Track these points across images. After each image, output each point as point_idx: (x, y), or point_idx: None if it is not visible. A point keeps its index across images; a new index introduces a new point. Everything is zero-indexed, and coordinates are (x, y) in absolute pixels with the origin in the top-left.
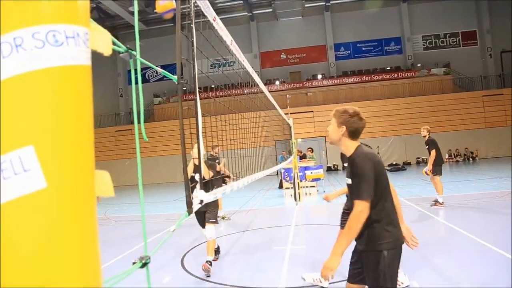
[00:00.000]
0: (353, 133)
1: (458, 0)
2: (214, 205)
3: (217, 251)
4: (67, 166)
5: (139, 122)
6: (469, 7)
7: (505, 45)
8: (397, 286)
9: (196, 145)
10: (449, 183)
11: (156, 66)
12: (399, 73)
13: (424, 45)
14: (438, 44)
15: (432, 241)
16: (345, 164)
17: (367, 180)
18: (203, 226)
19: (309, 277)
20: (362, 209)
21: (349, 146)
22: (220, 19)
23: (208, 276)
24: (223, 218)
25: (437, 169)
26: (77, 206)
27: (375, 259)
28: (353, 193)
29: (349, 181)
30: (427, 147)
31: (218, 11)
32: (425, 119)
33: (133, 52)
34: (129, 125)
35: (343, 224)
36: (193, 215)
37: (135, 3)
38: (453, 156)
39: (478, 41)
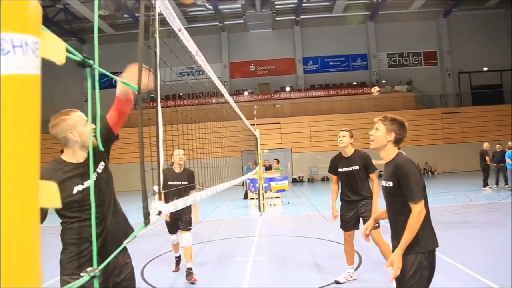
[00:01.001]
0: (399, 141)
1: (421, 21)
2: (188, 212)
3: (178, 261)
4: (7, 177)
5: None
6: (431, 29)
7: (463, 66)
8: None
9: (176, 151)
10: None
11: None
12: (365, 89)
13: (388, 62)
14: (401, 62)
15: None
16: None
17: (418, 182)
18: (172, 232)
19: (341, 278)
20: (420, 209)
21: (392, 152)
22: (192, 27)
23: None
24: None
25: None
26: (18, 219)
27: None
28: (408, 196)
29: (390, 183)
30: None
31: (190, 19)
32: None
33: (90, 61)
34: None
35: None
36: (149, 226)
37: (96, 9)
38: None
39: (438, 61)
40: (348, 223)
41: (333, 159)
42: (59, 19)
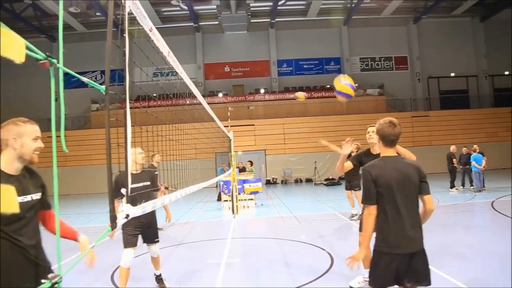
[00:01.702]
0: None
1: (393, 27)
2: (155, 221)
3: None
4: None
5: (58, 130)
6: (402, 35)
7: (432, 72)
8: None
9: (136, 149)
10: None
11: (96, 71)
12: None
13: (361, 66)
14: (373, 67)
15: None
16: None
17: (365, 188)
18: (131, 245)
19: (354, 283)
20: (367, 212)
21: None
22: (166, 27)
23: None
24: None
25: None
26: None
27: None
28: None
29: None
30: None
31: (164, 19)
32: (360, 137)
33: (53, 60)
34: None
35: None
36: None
37: (60, 8)
38: None
39: (409, 66)
40: None
41: (362, 153)
42: (28, 15)
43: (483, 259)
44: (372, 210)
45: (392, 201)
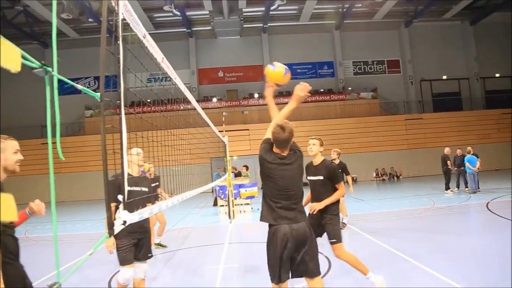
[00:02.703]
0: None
1: (384, 31)
2: (149, 235)
3: None
4: None
5: (53, 136)
6: (394, 38)
7: (424, 75)
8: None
9: (134, 149)
10: (376, 201)
11: (89, 77)
12: (331, 96)
13: (354, 70)
14: (366, 70)
15: (358, 256)
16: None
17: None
18: (128, 261)
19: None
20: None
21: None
22: (159, 33)
23: None
24: (159, 245)
25: None
26: None
27: None
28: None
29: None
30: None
31: (157, 25)
32: (354, 140)
33: (48, 69)
34: (54, 138)
35: None
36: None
37: (53, 14)
38: (380, 175)
39: (401, 69)
40: None
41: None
42: (19, 22)
43: (480, 260)
44: None
45: None
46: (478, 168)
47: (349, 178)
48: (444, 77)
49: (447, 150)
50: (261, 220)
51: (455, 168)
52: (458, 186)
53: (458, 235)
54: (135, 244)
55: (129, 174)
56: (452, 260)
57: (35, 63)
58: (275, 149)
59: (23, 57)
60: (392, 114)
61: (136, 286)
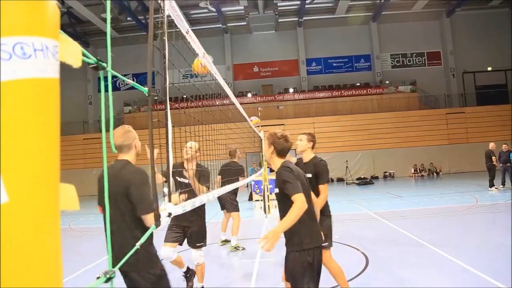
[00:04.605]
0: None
1: (424, 21)
2: (200, 224)
3: (189, 277)
4: (30, 180)
5: (107, 131)
6: (434, 29)
7: (467, 66)
8: None
9: (189, 143)
10: (414, 197)
11: (128, 74)
12: (368, 89)
13: (392, 63)
14: (405, 63)
15: (396, 253)
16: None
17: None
18: (168, 239)
19: None
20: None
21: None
22: (194, 30)
23: None
24: (236, 248)
25: None
26: (40, 221)
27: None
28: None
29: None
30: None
31: (192, 22)
32: (392, 135)
33: (103, 64)
34: (97, 133)
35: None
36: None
37: (108, 11)
38: (418, 171)
39: (442, 61)
40: None
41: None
42: (63, 23)
43: None
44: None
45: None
46: None
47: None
48: (489, 68)
49: (492, 145)
50: (311, 245)
51: (501, 164)
52: (503, 183)
53: (504, 234)
54: (184, 231)
55: (181, 166)
56: (497, 260)
57: (92, 59)
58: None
59: (82, 53)
60: (432, 108)
61: (197, 272)
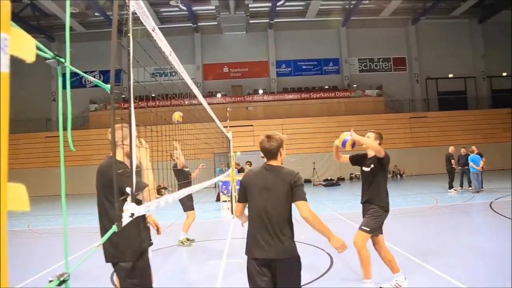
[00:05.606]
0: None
1: (391, 28)
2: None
3: None
4: None
5: (65, 129)
6: (400, 36)
7: (430, 73)
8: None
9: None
10: None
11: (95, 71)
12: (336, 93)
13: (360, 67)
14: (372, 68)
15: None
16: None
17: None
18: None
19: (387, 284)
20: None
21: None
22: (165, 28)
23: None
24: (182, 242)
25: None
26: None
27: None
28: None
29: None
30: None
31: (163, 20)
32: None
33: (61, 60)
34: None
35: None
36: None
37: (67, 7)
38: None
39: (407, 67)
40: None
41: (361, 155)
42: (26, 15)
43: (482, 259)
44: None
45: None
46: (482, 168)
47: None
48: (451, 75)
49: (451, 149)
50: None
51: (459, 167)
52: (461, 185)
53: (461, 235)
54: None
55: None
56: (455, 259)
57: (48, 54)
58: None
59: (37, 47)
60: (397, 112)
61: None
